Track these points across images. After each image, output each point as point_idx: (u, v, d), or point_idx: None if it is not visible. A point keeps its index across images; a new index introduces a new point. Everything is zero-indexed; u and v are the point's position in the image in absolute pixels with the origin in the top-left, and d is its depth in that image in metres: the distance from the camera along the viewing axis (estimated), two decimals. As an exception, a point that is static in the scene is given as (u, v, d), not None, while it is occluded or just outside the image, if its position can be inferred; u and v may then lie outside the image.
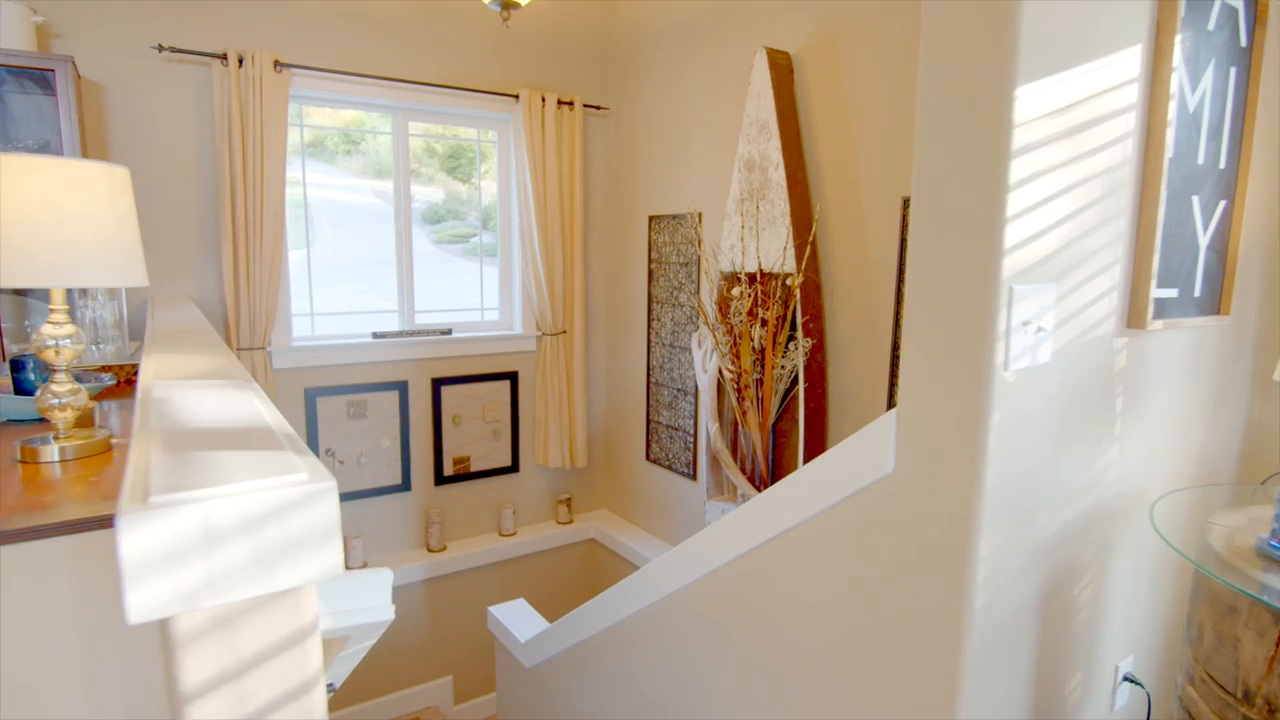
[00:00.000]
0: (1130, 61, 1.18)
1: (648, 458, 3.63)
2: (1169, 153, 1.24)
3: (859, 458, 1.24)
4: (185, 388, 0.92)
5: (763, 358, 2.64)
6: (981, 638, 1.14)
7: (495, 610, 2.80)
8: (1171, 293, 1.34)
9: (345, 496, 3.25)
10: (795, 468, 2.74)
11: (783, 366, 2.63)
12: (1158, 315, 1.29)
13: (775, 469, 2.82)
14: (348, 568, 3.26)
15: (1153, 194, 1.24)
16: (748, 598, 1.53)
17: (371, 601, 0.71)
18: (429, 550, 3.46)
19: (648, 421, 3.61)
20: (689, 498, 3.40)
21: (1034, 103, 1.02)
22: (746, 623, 1.54)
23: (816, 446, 2.68)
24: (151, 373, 1.05)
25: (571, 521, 3.85)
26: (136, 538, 0.51)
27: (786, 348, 2.62)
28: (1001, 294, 1.02)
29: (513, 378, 3.63)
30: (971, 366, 1.05)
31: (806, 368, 2.59)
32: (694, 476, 3.35)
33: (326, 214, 3.27)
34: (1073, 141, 1.10)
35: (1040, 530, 1.19)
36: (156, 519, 0.52)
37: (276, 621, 0.58)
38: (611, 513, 3.97)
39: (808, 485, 1.34)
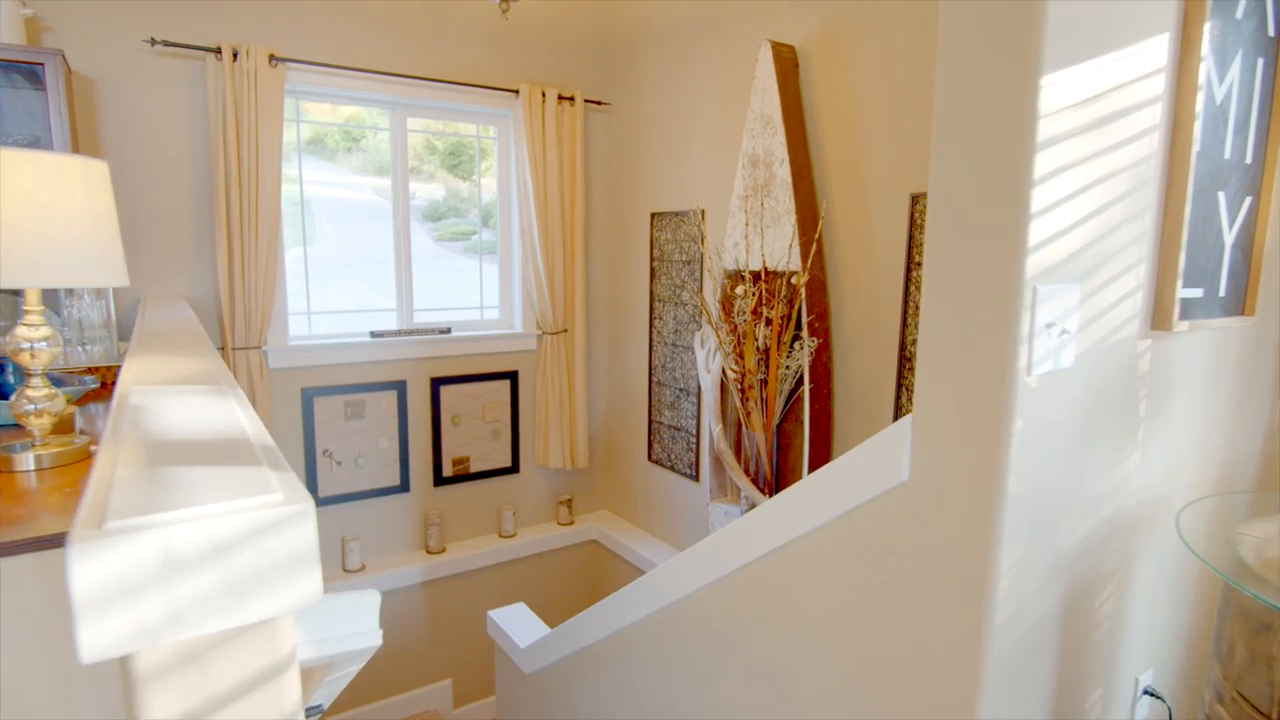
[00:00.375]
0: (1157, 50, 1.13)
1: (649, 458, 3.58)
2: (1196, 146, 1.19)
3: (872, 464, 1.19)
4: (163, 393, 0.88)
5: (767, 358, 2.59)
6: (1001, 653, 1.09)
7: (495, 615, 2.75)
8: (1196, 293, 1.29)
9: (343, 498, 3.20)
10: (800, 470, 2.69)
11: (787, 367, 2.58)
12: (1183, 316, 1.24)
13: (780, 471, 2.77)
14: (345, 570, 3.22)
15: (1179, 189, 1.19)
16: (754, 607, 1.48)
17: (358, 626, 0.66)
18: (428, 552, 3.41)
19: (649, 422, 3.56)
20: (691, 499, 3.35)
21: (1060, 93, 0.97)
22: (753, 632, 1.49)
23: (822, 448, 2.63)
24: (131, 377, 1.00)
25: (572, 523, 3.80)
26: (90, 568, 0.46)
27: (791, 347, 2.57)
28: (1025, 295, 0.97)
29: (513, 377, 3.58)
30: (993, 371, 1.00)
31: (812, 368, 2.54)
32: (696, 478, 3.30)
33: (327, 212, 3.22)
34: (1098, 134, 1.05)
35: (1062, 541, 1.14)
36: (112, 547, 0.47)
37: (249, 655, 0.54)
38: (613, 514, 3.92)
39: (818, 492, 1.29)
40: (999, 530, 1.03)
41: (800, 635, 1.38)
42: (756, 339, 2.59)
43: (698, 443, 3.27)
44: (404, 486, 3.34)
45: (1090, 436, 1.15)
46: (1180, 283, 1.21)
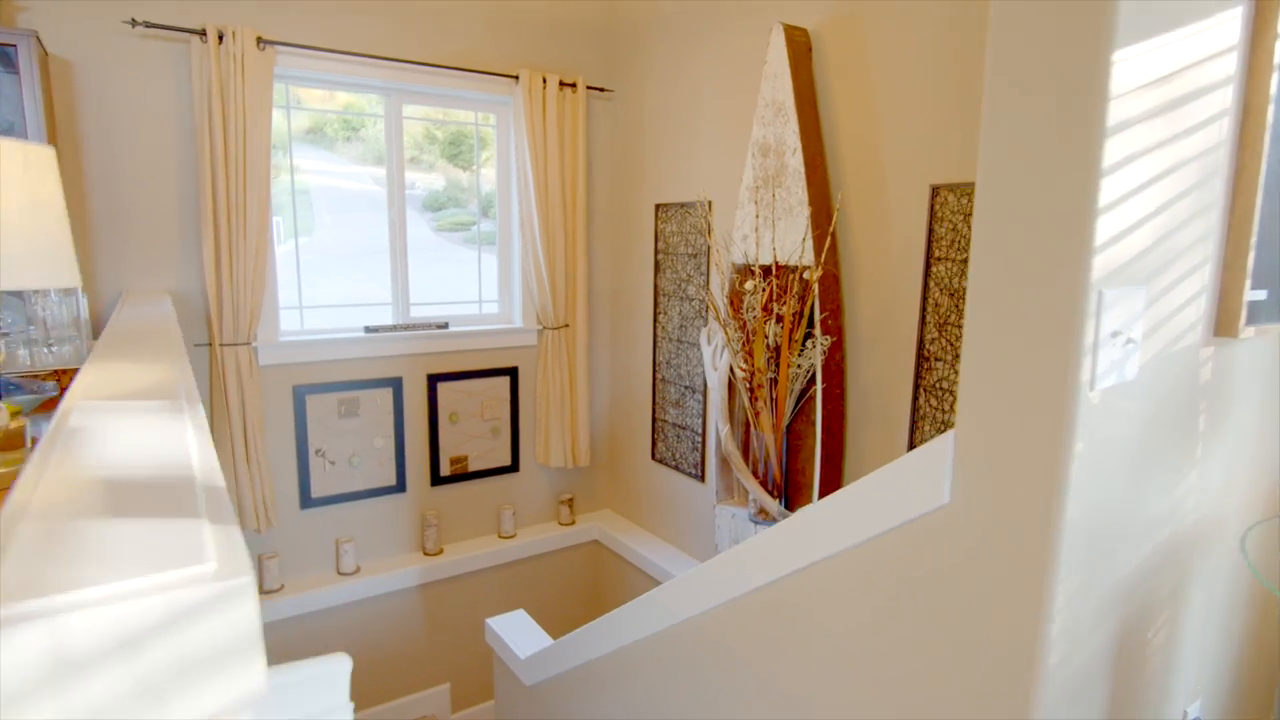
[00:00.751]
0: (1230, 26, 1.01)
1: (653, 457, 3.48)
2: (1269, 133, 1.07)
3: (907, 484, 1.08)
4: (111, 412, 0.76)
5: (777, 356, 2.47)
6: (1053, 693, 0.98)
7: (494, 623, 2.65)
8: (1260, 295, 1.18)
9: (336, 499, 3.09)
10: (811, 473, 2.59)
11: (799, 366, 2.46)
12: (1250, 321, 1.13)
13: (789, 474, 2.67)
14: (340, 574, 3.12)
15: (1250, 181, 1.07)
16: (771, 631, 1.37)
17: (324, 703, 0.55)
18: (425, 553, 3.31)
19: (653, 420, 3.45)
20: (696, 499, 3.25)
21: (1131, 71, 0.85)
22: (768, 657, 1.39)
23: (834, 451, 2.52)
24: (81, 389, 0.89)
25: (574, 523, 3.70)
26: (-47, 673, 0.35)
27: (803, 345, 2.46)
28: (1090, 300, 0.86)
29: (512, 373, 3.47)
30: (1052, 385, 0.89)
31: (824, 367, 2.43)
32: (702, 478, 3.20)
33: (327, 201, 3.10)
34: (1169, 119, 0.93)
35: (1119, 569, 1.03)
36: (-17, 645, 0.36)
37: (176, 765, 0.43)
38: (615, 514, 3.82)
39: (846, 512, 1.18)
40: (1055, 561, 0.92)
41: (822, 665, 1.27)
42: (766, 336, 2.48)
43: (703, 442, 3.16)
44: (400, 486, 3.24)
45: (1148, 455, 1.04)
46: (1249, 284, 1.09)
